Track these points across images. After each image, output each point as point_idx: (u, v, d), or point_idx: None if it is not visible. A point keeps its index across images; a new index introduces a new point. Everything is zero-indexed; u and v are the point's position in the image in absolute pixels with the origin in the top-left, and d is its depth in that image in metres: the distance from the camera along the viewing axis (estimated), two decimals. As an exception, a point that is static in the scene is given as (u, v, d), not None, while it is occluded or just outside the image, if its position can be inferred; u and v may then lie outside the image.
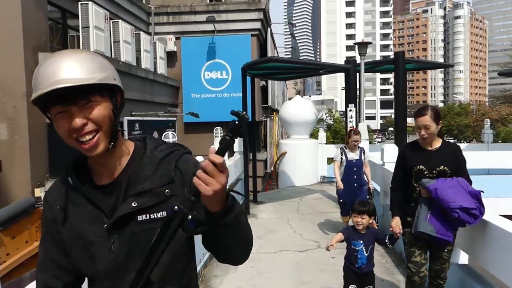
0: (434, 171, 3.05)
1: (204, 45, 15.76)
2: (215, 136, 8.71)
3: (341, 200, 5.76)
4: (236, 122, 0.96)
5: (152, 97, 13.69)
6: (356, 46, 9.07)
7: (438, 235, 2.95)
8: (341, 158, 5.62)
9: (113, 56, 11.14)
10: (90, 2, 10.21)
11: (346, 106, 7.23)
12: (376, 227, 3.60)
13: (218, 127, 9.06)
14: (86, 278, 1.24)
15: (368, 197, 5.55)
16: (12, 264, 3.67)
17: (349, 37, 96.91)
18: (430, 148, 3.13)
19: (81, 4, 10.20)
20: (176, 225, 0.98)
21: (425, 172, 3.07)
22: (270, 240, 5.53)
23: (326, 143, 11.66)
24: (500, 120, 35.30)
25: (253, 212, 7.28)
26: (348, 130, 5.82)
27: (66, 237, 1.18)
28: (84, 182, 1.17)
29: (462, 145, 16.94)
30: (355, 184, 5.52)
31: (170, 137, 5.02)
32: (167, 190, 1.13)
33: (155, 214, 1.12)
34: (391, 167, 5.90)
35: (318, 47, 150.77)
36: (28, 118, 9.65)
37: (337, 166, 5.69)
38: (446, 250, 3.11)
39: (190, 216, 0.97)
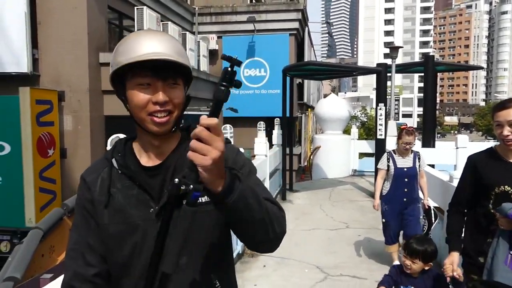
0: None
1: (244, 44, 16.61)
2: (258, 130, 9.41)
3: (383, 220, 4.38)
4: (229, 68, 0.85)
5: (195, 93, 14.69)
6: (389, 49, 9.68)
7: None
8: (388, 166, 4.28)
9: (163, 55, 12.19)
10: (144, 7, 11.31)
11: (377, 106, 7.92)
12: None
13: (262, 122, 9.71)
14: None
15: (422, 216, 4.31)
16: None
17: (388, 33, 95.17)
18: None
19: (137, 9, 11.29)
20: (178, 200, 0.90)
21: None
22: (305, 220, 6.33)
23: (358, 139, 12.30)
24: (543, 120, 34.16)
25: (289, 198, 8.11)
26: (400, 129, 4.43)
27: (107, 221, 1.10)
28: (130, 164, 1.14)
29: (488, 143, 16.99)
30: (405, 199, 4.20)
31: (227, 129, 5.82)
32: None
33: (200, 198, 1.05)
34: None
35: (356, 43, 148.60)
36: (90, 111, 10.83)
37: (381, 176, 4.38)
38: None
39: (191, 186, 0.86)
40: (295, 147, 16.98)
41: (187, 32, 14.63)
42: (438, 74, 11.24)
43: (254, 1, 17.94)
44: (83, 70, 10.61)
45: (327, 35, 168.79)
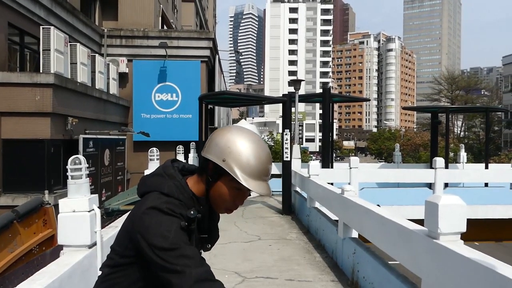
0: None
1: (155, 68, 16.66)
2: (178, 153, 9.66)
3: None
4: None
5: (104, 116, 14.34)
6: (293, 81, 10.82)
7: None
8: None
9: (70, 77, 11.81)
10: (52, 27, 10.94)
11: (283, 131, 8.86)
12: None
13: (181, 146, 10.03)
14: None
15: None
16: (25, 249, 4.54)
17: (292, 63, 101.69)
18: None
19: (42, 28, 10.85)
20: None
21: None
22: (222, 236, 6.61)
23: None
24: (422, 145, 39.31)
25: (204, 218, 8.43)
26: None
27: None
28: (205, 219, 1.36)
29: (377, 164, 19.52)
30: None
31: (154, 152, 5.95)
32: None
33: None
34: (315, 179, 7.31)
35: (262, 70, 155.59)
36: (-14, 134, 9.99)
37: None
38: None
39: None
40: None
41: (97, 55, 14.35)
42: (335, 103, 12.74)
43: (165, 27, 18.20)
44: (-22, 89, 9.84)
45: (235, 62, 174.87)
